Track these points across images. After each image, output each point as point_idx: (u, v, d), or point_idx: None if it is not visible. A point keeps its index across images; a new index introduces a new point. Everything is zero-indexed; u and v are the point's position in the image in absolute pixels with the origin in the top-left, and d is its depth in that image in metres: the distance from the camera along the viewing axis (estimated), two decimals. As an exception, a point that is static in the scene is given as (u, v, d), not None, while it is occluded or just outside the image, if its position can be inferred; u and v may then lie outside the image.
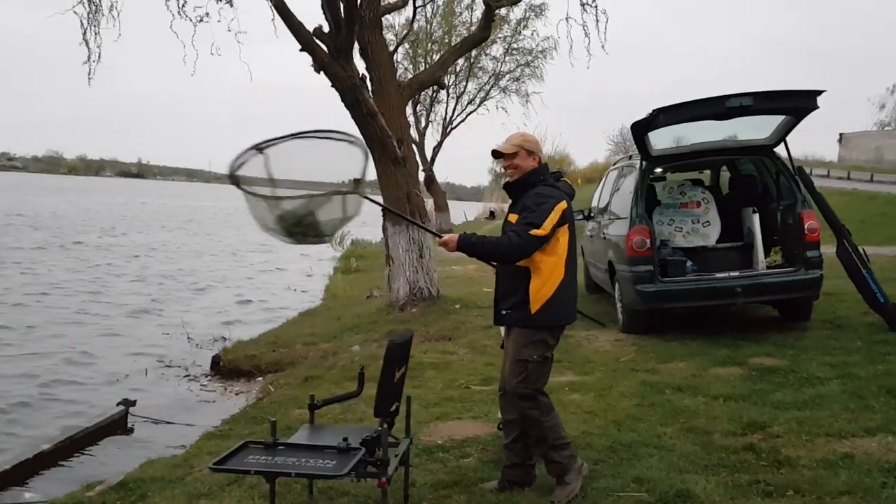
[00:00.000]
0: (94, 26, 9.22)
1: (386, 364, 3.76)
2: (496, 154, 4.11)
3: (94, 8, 9.13)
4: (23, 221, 34.62)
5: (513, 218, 3.98)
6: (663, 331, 7.96)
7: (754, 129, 7.93)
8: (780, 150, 8.10)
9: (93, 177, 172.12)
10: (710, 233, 8.66)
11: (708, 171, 10.43)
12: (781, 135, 7.87)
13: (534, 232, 3.81)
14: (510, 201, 4.15)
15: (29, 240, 26.13)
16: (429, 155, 32.49)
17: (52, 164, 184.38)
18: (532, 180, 4.00)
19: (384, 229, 11.33)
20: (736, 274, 7.73)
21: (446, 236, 3.94)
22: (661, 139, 7.98)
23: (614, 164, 10.83)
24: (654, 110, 7.02)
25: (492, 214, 43.30)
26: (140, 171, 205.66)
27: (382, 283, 13.58)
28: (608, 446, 4.79)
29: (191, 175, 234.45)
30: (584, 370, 6.81)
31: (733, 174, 9.65)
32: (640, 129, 7.35)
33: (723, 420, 5.19)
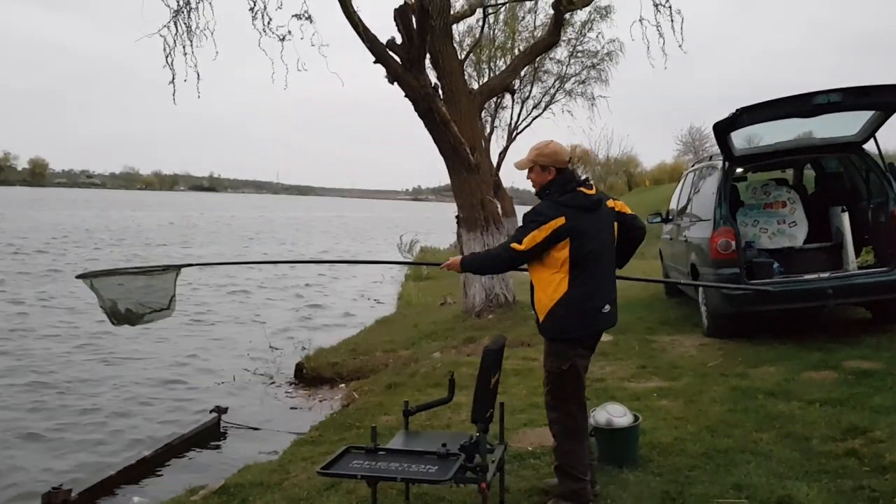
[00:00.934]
0: (184, 46, 9.55)
1: (482, 370, 3.79)
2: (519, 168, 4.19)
3: (185, 28, 9.43)
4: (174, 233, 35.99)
5: None
6: (750, 335, 7.78)
7: (840, 125, 7.69)
8: (868, 146, 7.85)
9: (167, 191, 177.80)
10: (796, 233, 8.43)
11: (791, 171, 10.15)
12: (871, 131, 7.62)
13: (513, 246, 3.89)
14: None
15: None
16: (494, 160, 32.44)
17: (128, 180, 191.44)
18: (543, 193, 4.02)
19: (458, 235, 11.42)
20: (826, 275, 7.50)
21: (450, 260, 4.19)
22: (743, 138, 7.82)
23: (693, 166, 10.64)
24: (737, 109, 6.88)
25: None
26: (212, 185, 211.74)
27: (456, 289, 13.69)
28: (703, 452, 4.71)
29: (259, 187, 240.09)
30: (670, 376, 6.71)
31: (818, 173, 9.38)
32: (723, 129, 7.21)
33: (820, 425, 5.05)
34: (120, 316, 4.08)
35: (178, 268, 4.15)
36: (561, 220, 3.82)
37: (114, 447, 6.69)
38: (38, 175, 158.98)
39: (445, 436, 4.13)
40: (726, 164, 7.94)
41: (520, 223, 4.02)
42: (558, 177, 3.99)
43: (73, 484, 5.36)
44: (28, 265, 22.11)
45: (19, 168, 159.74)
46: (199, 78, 9.83)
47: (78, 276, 4.18)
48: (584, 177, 4.15)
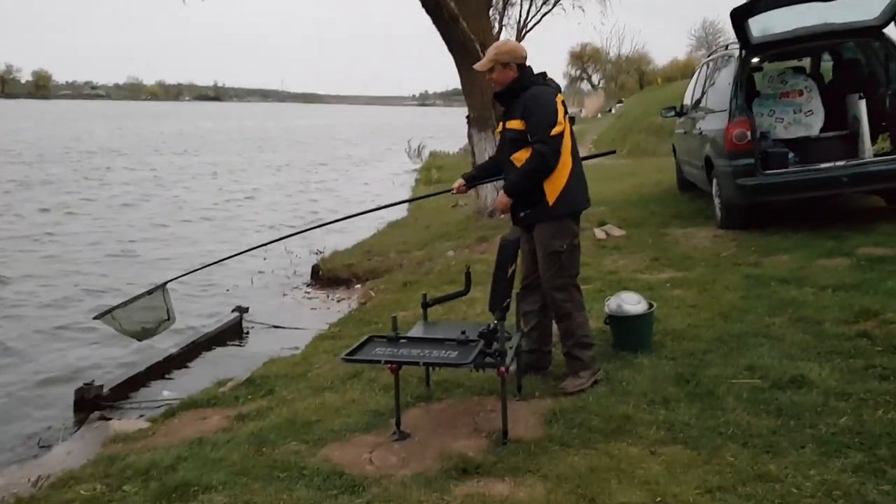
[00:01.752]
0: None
1: (499, 260, 3.85)
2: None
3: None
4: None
5: (513, 124, 4.10)
6: (764, 225, 7.79)
7: (859, 10, 7.46)
8: (889, 31, 7.63)
9: (172, 101, 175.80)
10: (812, 122, 8.30)
11: (808, 59, 9.90)
12: (891, 14, 7.38)
13: (554, 131, 3.96)
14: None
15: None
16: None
17: (133, 91, 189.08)
18: (522, 84, 4.10)
19: (469, 136, 11.30)
20: (841, 163, 7.43)
21: (498, 201, 4.30)
22: (761, 26, 7.60)
23: (708, 57, 10.39)
24: (755, -6, 6.67)
25: (572, 119, 42.42)
26: (217, 94, 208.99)
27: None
28: (716, 337, 4.81)
29: (265, 95, 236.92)
30: (683, 266, 6.77)
31: (836, 60, 9.15)
32: (740, 16, 7.01)
33: (833, 309, 5.12)
34: (140, 333, 4.92)
35: (163, 286, 4.96)
36: (560, 97, 4.07)
37: (140, 346, 6.86)
38: (42, 87, 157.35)
39: (464, 325, 4.22)
40: (743, 52, 7.75)
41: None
42: (521, 72, 4.12)
43: (105, 380, 5.54)
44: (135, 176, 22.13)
45: (23, 81, 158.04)
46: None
47: (95, 318, 5.02)
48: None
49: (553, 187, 4.04)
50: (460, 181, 4.51)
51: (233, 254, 5.76)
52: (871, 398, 3.73)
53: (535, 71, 4.21)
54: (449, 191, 4.68)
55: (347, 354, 3.56)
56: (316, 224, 8.41)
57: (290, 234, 6.30)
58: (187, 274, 5.73)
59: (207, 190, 20.29)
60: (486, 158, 10.53)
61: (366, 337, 3.82)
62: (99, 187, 20.16)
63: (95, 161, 28.09)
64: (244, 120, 77.32)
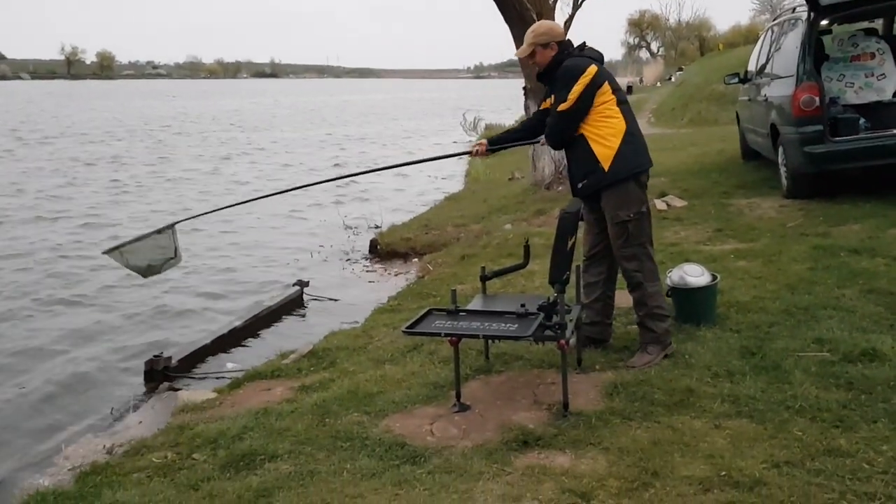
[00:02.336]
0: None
1: (559, 233, 3.80)
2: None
3: None
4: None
5: (550, 101, 4.15)
6: (832, 194, 7.54)
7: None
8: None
9: (230, 79, 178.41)
10: (885, 86, 7.97)
11: (880, 21, 9.47)
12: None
13: (560, 108, 3.96)
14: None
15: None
16: (560, 30, 31.28)
17: (192, 70, 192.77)
18: (559, 60, 4.07)
19: (526, 108, 11.19)
20: (917, 128, 7.13)
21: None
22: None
23: (774, 21, 10.03)
24: (825, -47, 6.40)
25: (629, 89, 41.60)
26: (273, 71, 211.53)
27: (524, 164, 13.57)
28: (783, 309, 4.69)
29: (321, 71, 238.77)
30: (748, 237, 6.61)
31: (911, 20, 8.74)
32: (809, -24, 6.74)
33: (906, 280, 4.94)
34: (145, 270, 4.97)
35: (172, 226, 5.00)
36: (594, 68, 3.99)
37: (206, 319, 7.05)
38: (106, 68, 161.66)
39: (523, 298, 4.21)
40: (811, 14, 7.46)
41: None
42: (561, 49, 4.09)
43: (173, 352, 5.71)
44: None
45: (88, 62, 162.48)
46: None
47: (104, 252, 5.06)
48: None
49: (605, 152, 3.99)
50: (482, 142, 4.44)
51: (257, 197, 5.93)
52: (946, 372, 3.60)
53: (578, 43, 4.19)
54: (468, 152, 4.50)
55: (407, 327, 3.58)
56: (360, 171, 8.79)
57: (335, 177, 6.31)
58: (199, 216, 5.79)
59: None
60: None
61: (425, 310, 3.84)
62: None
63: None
64: (300, 97, 78.10)
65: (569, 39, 4.17)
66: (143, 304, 7.56)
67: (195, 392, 4.77)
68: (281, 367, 4.86)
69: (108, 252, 4.95)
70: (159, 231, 5.04)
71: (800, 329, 4.35)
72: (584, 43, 4.18)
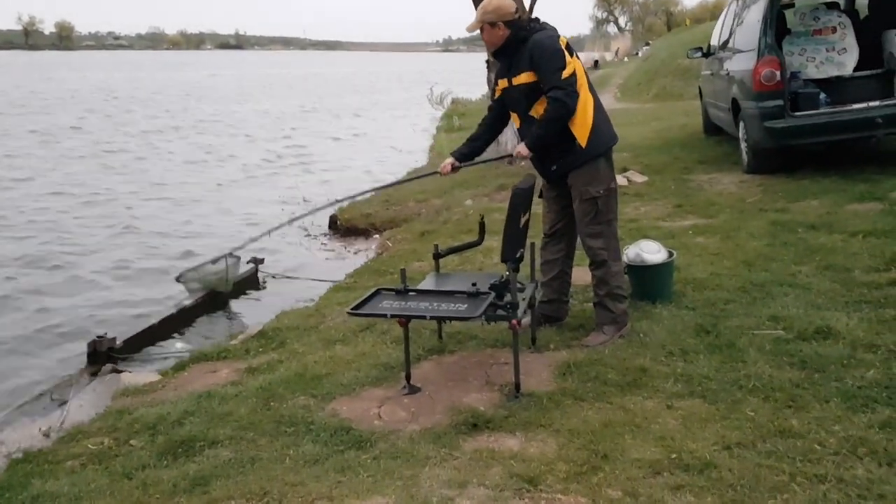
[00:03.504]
0: None
1: (511, 209, 3.68)
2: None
3: None
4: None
5: (522, 78, 3.89)
6: (792, 170, 7.52)
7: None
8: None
9: (193, 50, 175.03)
10: (846, 61, 7.95)
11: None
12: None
13: (565, 73, 3.77)
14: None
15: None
16: (527, 4, 31.10)
17: (155, 41, 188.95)
18: (520, 37, 3.89)
19: (488, 81, 11.03)
20: (876, 104, 7.13)
21: (518, 150, 3.96)
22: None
23: (736, -7, 9.96)
24: (788, -76, 6.31)
25: (595, 64, 41.57)
26: (238, 42, 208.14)
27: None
28: (739, 286, 4.65)
29: (287, 43, 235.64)
30: (707, 213, 6.57)
31: (873, -6, 8.72)
32: (771, -53, 6.65)
33: (863, 256, 4.94)
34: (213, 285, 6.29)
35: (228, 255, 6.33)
36: (563, 38, 3.90)
37: (153, 296, 6.85)
38: (65, 38, 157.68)
39: (476, 276, 4.10)
40: (773, -13, 7.39)
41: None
42: (512, 28, 3.90)
43: (118, 332, 5.52)
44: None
45: (46, 32, 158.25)
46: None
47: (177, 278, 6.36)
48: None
49: (582, 129, 3.88)
50: (449, 160, 4.19)
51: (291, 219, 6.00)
52: (900, 350, 3.56)
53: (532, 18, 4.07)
54: (436, 173, 4.34)
55: (353, 308, 3.46)
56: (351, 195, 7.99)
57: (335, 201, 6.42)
58: (254, 240, 6.21)
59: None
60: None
61: (373, 289, 3.71)
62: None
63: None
64: (266, 68, 76.86)
65: (521, 17, 3.99)
66: (91, 281, 7.34)
67: (138, 374, 4.60)
68: (228, 349, 4.72)
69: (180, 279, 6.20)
70: (214, 261, 6.20)
71: (755, 306, 4.31)
72: (538, 18, 4.07)
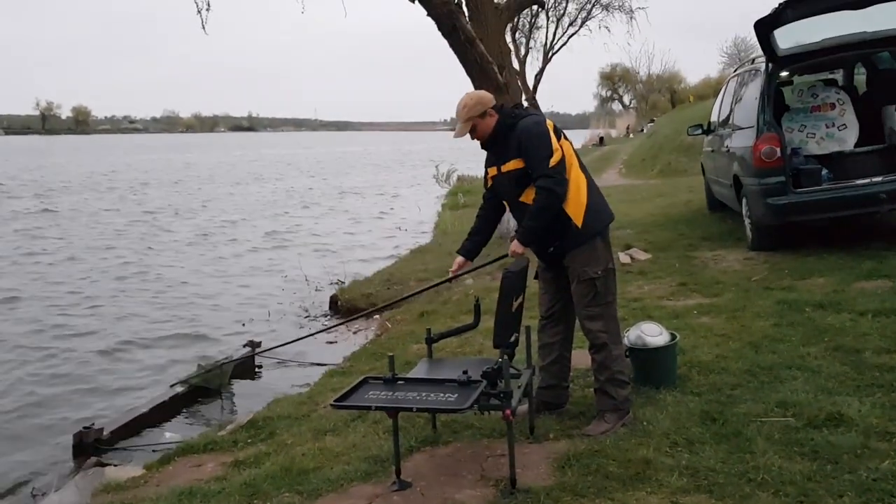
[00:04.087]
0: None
1: (503, 293, 3.57)
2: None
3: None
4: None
5: (511, 165, 3.83)
6: (797, 246, 7.41)
7: (894, 16, 7.10)
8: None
9: (207, 133, 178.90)
10: (846, 136, 7.93)
11: (840, 71, 9.52)
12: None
13: (552, 162, 3.71)
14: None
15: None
16: (531, 84, 31.67)
17: (169, 124, 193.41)
18: (507, 123, 3.84)
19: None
20: (879, 179, 7.06)
21: (512, 249, 3.91)
22: (788, 37, 7.28)
23: (735, 72, 10.07)
24: (780, 4, 6.40)
25: (601, 140, 42.09)
26: (251, 125, 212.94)
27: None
28: (746, 370, 4.47)
29: (298, 125, 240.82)
30: (712, 292, 6.43)
31: (870, 71, 8.78)
32: (765, 27, 6.72)
33: (873, 337, 4.76)
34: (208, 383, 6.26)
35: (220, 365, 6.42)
36: (549, 122, 3.85)
37: (146, 382, 6.70)
38: (81, 123, 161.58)
39: (469, 362, 3.96)
40: (769, 66, 7.43)
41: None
42: (501, 110, 3.88)
43: (106, 421, 5.36)
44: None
45: (63, 117, 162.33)
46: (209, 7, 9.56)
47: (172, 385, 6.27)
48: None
49: (577, 209, 3.80)
50: (459, 260, 4.15)
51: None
52: (917, 438, 3.37)
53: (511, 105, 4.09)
54: (448, 280, 4.35)
55: (337, 400, 3.30)
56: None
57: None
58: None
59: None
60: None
61: (360, 378, 3.57)
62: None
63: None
64: (278, 149, 78.27)
65: (502, 104, 3.97)
66: (84, 361, 7.22)
67: (121, 469, 4.42)
68: (216, 440, 4.54)
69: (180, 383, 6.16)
70: (209, 370, 6.23)
71: (763, 391, 4.12)
72: (520, 103, 4.05)
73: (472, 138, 3.96)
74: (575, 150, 3.96)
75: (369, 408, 3.29)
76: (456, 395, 3.27)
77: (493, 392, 3.39)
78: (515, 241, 3.88)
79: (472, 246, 4.16)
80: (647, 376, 4.35)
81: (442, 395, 3.29)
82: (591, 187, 3.92)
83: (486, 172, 4.04)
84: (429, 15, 9.69)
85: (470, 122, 3.85)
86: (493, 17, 10.62)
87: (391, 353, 3.75)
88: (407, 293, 8.96)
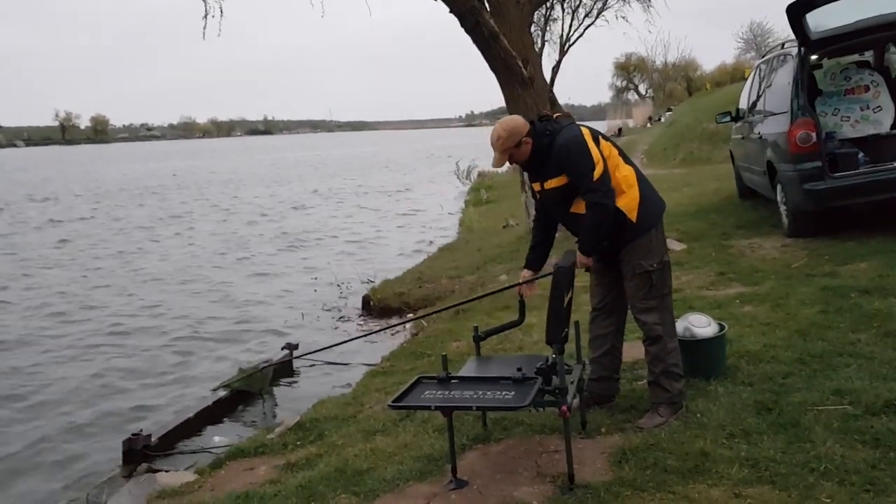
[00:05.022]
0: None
1: (554, 288, 3.54)
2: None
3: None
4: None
5: (554, 183, 3.79)
6: (836, 231, 7.31)
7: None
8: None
9: (224, 137, 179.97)
10: (882, 119, 7.82)
11: (871, 53, 9.37)
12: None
13: (595, 175, 3.68)
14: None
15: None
16: (548, 76, 31.49)
17: (186, 130, 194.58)
18: (543, 144, 3.78)
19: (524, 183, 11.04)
20: (918, 160, 6.95)
21: (580, 261, 3.85)
22: (819, 21, 7.18)
23: (763, 58, 9.95)
24: (813, -14, 6.29)
25: (619, 131, 41.86)
26: (267, 128, 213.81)
27: (518, 211, 13.39)
28: (796, 358, 4.41)
29: (315, 126, 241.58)
30: (752, 280, 6.36)
31: (904, 51, 8.64)
32: (798, 10, 6.63)
33: (924, 321, 4.68)
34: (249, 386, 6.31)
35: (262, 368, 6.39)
36: (584, 129, 3.83)
37: (190, 390, 6.74)
38: (100, 132, 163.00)
39: (519, 359, 3.94)
40: (802, 49, 7.33)
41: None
42: (536, 139, 3.80)
43: (154, 428, 5.40)
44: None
45: (82, 127, 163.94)
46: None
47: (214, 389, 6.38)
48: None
49: (630, 204, 3.79)
50: (525, 273, 4.04)
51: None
52: (980, 421, 3.32)
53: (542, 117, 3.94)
54: (516, 285, 4.19)
55: (394, 401, 3.30)
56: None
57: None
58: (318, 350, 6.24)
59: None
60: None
61: (414, 378, 3.56)
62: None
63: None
64: (295, 151, 78.57)
65: (533, 122, 3.88)
66: (123, 369, 7.28)
67: (174, 475, 4.45)
68: (265, 443, 4.55)
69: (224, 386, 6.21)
70: (250, 374, 6.25)
71: (816, 379, 4.07)
72: (549, 116, 3.97)
73: (510, 164, 3.96)
74: (617, 146, 3.93)
75: (428, 407, 3.29)
76: (513, 393, 3.26)
77: (547, 389, 3.37)
78: (580, 255, 3.86)
79: (537, 257, 4.11)
80: (696, 368, 4.30)
81: (499, 393, 3.28)
82: (641, 179, 3.89)
83: (531, 184, 4.02)
84: (451, 12, 9.67)
85: (506, 154, 3.81)
86: (515, 11, 10.57)
87: (444, 353, 3.74)
88: (439, 290, 8.99)
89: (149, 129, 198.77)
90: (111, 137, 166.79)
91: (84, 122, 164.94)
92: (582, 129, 3.83)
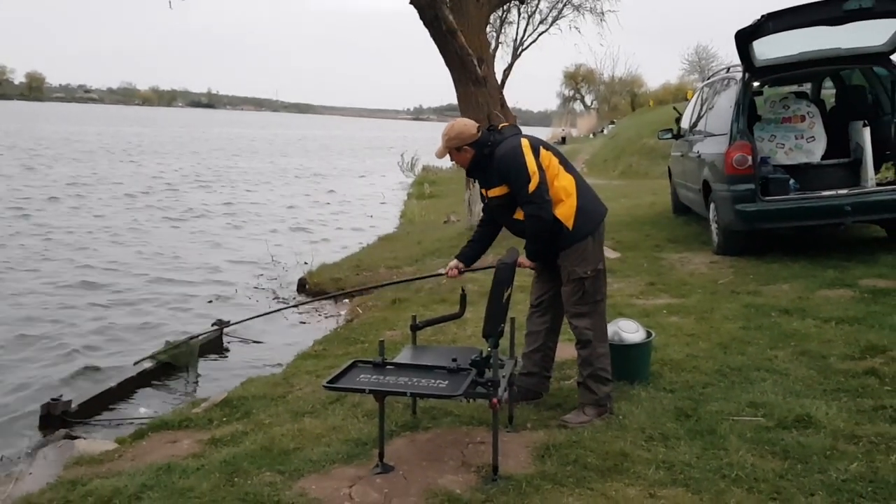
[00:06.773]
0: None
1: (495, 284, 3.61)
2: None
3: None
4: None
5: (496, 192, 3.96)
6: (762, 253, 7.61)
7: (868, 35, 7.32)
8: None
9: (165, 107, 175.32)
10: (814, 149, 8.16)
11: (810, 85, 9.77)
12: (899, 41, 7.26)
13: (531, 188, 3.81)
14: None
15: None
16: (499, 78, 31.67)
17: (126, 96, 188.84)
18: (484, 153, 3.95)
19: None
20: (844, 192, 7.28)
21: (520, 261, 4.00)
22: (764, 49, 7.45)
23: (707, 80, 10.26)
24: (762, 16, 6.54)
25: (563, 140, 42.40)
26: (210, 101, 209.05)
27: (459, 207, 13.49)
28: (716, 369, 4.60)
29: (259, 104, 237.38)
30: (680, 293, 6.58)
31: (839, 86, 9.02)
32: (745, 38, 6.87)
33: (838, 343, 4.93)
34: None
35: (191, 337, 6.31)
36: (524, 140, 3.94)
37: (114, 360, 6.59)
38: (35, 89, 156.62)
39: (454, 350, 4.00)
40: (746, 75, 7.60)
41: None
42: (476, 148, 3.95)
43: (74, 395, 5.27)
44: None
45: (16, 82, 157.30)
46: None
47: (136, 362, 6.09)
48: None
49: (567, 212, 3.90)
50: (455, 264, 4.15)
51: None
52: (882, 442, 3.52)
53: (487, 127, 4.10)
54: (440, 274, 4.34)
55: (329, 381, 3.32)
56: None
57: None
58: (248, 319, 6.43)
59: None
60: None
61: (350, 362, 3.59)
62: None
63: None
64: (241, 128, 77.08)
65: (485, 130, 4.02)
66: (49, 337, 7.07)
67: (93, 442, 4.36)
68: (190, 417, 4.51)
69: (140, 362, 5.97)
70: (177, 345, 6.13)
71: (734, 391, 4.25)
72: (494, 126, 4.12)
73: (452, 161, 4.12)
74: (559, 154, 4.04)
75: (363, 391, 3.31)
76: (447, 382, 3.31)
77: (480, 381, 3.44)
78: (523, 257, 4.02)
79: (471, 253, 4.22)
80: (621, 371, 4.43)
81: (433, 381, 3.33)
82: (581, 187, 4.00)
83: (481, 190, 4.15)
84: (411, 3, 9.68)
85: (445, 153, 4.01)
86: (475, 10, 10.65)
87: (381, 339, 3.77)
88: (376, 279, 8.99)
89: (87, 90, 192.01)
90: (46, 96, 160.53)
91: (18, 77, 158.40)
92: (523, 140, 3.94)
